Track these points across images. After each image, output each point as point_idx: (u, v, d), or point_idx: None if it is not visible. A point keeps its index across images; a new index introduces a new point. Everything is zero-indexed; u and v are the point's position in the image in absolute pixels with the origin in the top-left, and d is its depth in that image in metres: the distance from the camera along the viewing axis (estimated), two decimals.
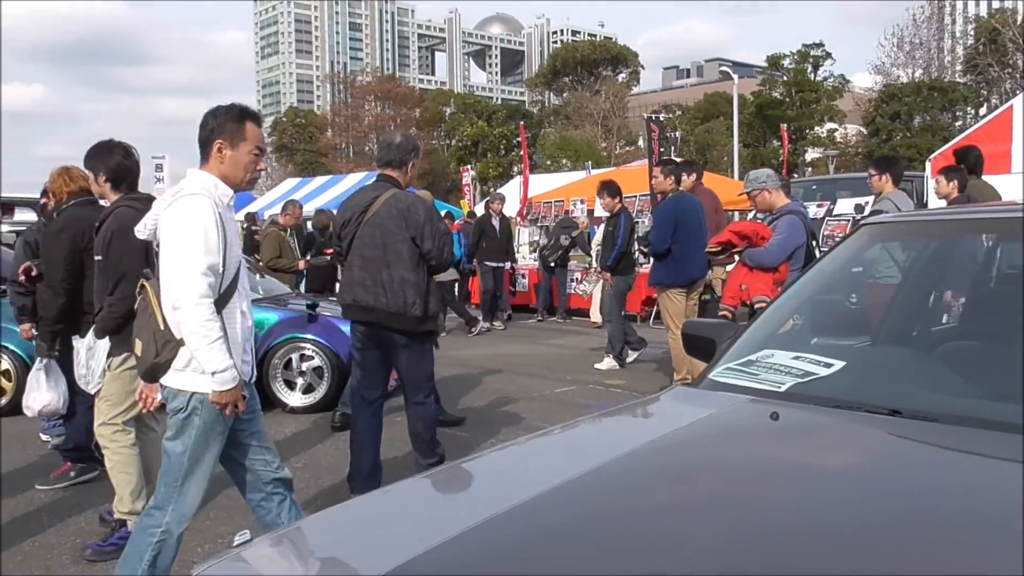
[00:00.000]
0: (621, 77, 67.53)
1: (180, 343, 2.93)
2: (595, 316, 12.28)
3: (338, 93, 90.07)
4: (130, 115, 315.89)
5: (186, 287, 2.85)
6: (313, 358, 6.85)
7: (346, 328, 6.99)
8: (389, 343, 4.53)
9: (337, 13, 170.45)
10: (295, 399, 6.84)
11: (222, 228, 2.95)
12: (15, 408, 6.78)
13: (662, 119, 15.71)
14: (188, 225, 2.90)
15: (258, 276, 8.19)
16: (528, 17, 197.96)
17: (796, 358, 2.37)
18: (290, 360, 6.86)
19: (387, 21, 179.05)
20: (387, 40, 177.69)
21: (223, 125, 3.04)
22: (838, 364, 2.31)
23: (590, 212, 14.39)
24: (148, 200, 4.15)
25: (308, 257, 10.35)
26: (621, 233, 8.73)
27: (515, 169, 50.06)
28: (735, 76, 28.26)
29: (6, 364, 6.79)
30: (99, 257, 3.94)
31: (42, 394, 4.56)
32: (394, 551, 1.45)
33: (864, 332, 3.14)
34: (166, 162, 21.01)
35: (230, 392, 2.90)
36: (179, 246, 2.89)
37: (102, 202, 4.83)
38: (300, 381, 6.87)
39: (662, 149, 14.33)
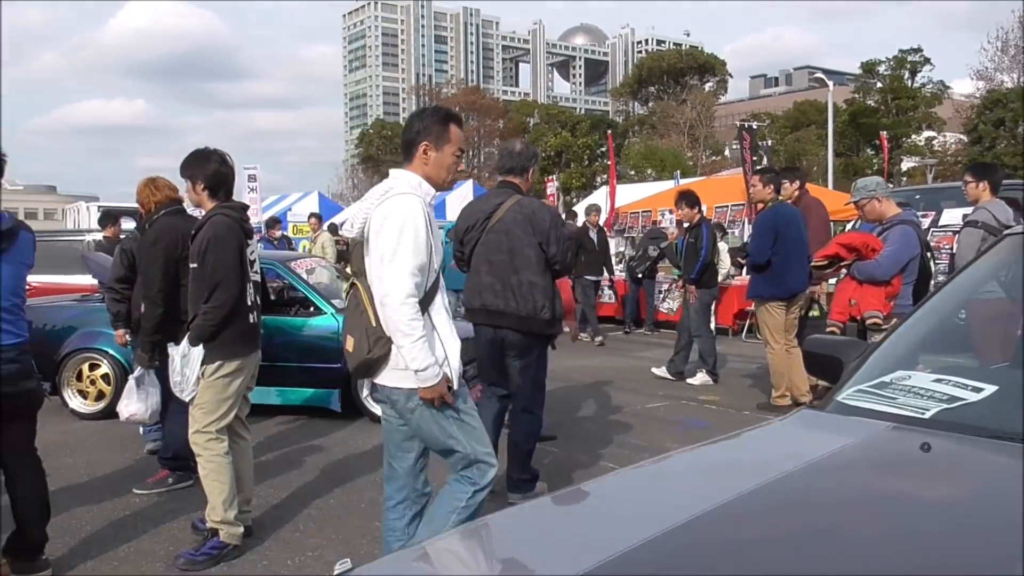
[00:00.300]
0: (708, 86, 66.52)
1: (391, 340, 2.97)
2: None
3: (423, 105, 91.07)
4: (223, 128, 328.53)
5: (395, 285, 2.91)
6: None
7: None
8: (511, 346, 4.58)
9: (423, 26, 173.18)
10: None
11: (430, 227, 3.01)
12: (115, 411, 6.95)
13: (754, 127, 15.29)
14: (400, 224, 2.95)
15: (340, 282, 8.21)
16: (612, 27, 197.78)
17: (938, 380, 2.15)
18: None
19: (472, 33, 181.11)
20: (472, 52, 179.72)
21: (429, 127, 3.12)
22: (989, 388, 2.07)
23: (679, 223, 14.05)
24: (243, 208, 4.16)
25: None
26: (704, 244, 8.46)
27: (598, 179, 49.76)
28: (830, 83, 27.42)
29: (106, 368, 6.94)
30: (194, 265, 3.94)
31: (132, 403, 4.65)
32: (574, 557, 1.42)
33: (1006, 352, 2.87)
34: (258, 171, 21.47)
35: (434, 388, 2.96)
36: (391, 244, 2.94)
37: (196, 211, 4.91)
38: None
39: (754, 158, 13.99)
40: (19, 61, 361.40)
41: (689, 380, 8.60)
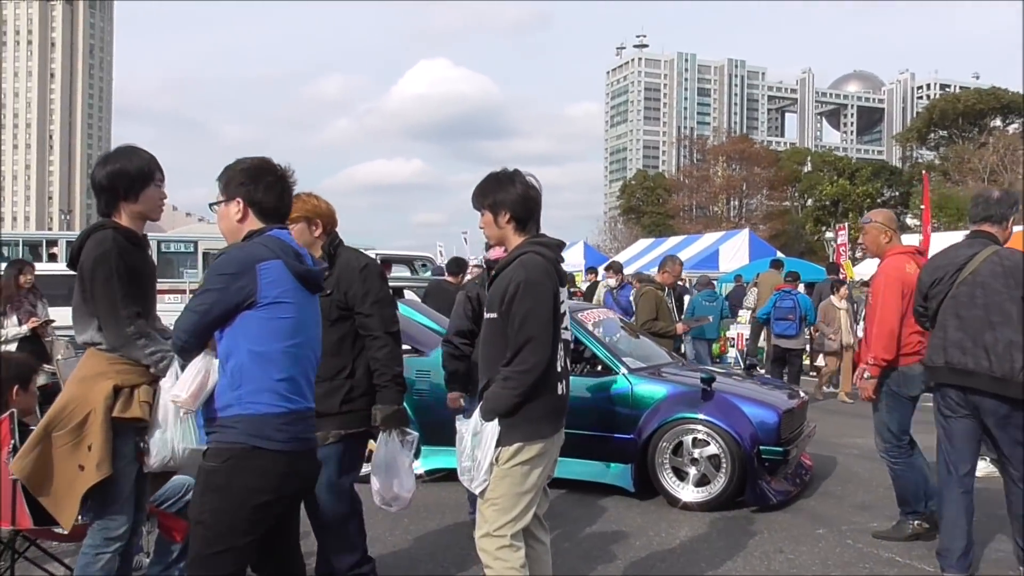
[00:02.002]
0: (1013, 128, 59.38)
1: None
2: None
3: (684, 156, 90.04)
4: None
5: None
6: (708, 443, 5.60)
7: (748, 408, 5.71)
8: (985, 411, 4.11)
9: (686, 80, 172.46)
10: (687, 492, 5.61)
11: None
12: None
13: None
14: None
15: (630, 337, 7.18)
16: (889, 73, 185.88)
17: None
18: (680, 444, 5.69)
19: (736, 85, 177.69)
20: (735, 103, 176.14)
21: None
22: None
23: None
24: (559, 247, 3.23)
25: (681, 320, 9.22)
26: None
27: None
28: None
29: None
30: (493, 315, 3.06)
31: (405, 478, 3.53)
32: None
33: None
34: None
35: None
36: None
37: (497, 251, 3.91)
38: (693, 471, 5.65)
39: None
40: (318, 128, 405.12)
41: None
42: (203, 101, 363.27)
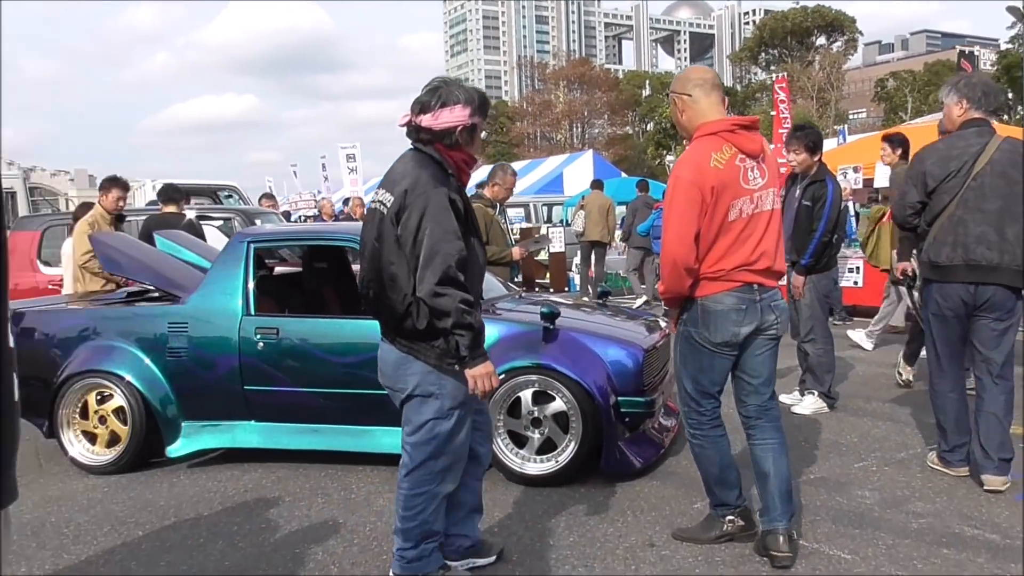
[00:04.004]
0: (836, 46, 61.50)
1: None
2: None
3: (526, 84, 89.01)
4: (328, 120, 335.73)
5: None
6: (552, 398, 4.31)
7: (600, 348, 4.45)
8: (993, 307, 3.96)
9: (524, 7, 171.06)
10: (529, 464, 4.31)
11: None
12: (140, 462, 4.75)
13: (975, 54, 12.21)
14: None
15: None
16: None
17: None
18: (517, 401, 4.37)
19: (573, 12, 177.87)
20: (573, 31, 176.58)
21: None
22: None
23: (868, 181, 11.08)
24: None
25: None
26: (826, 211, 5.39)
27: None
28: None
29: (120, 400, 4.72)
30: None
31: None
32: None
33: None
34: (357, 151, 19.53)
35: None
36: None
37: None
38: (535, 435, 4.36)
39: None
40: (131, 63, 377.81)
41: (795, 408, 5.71)
42: None
